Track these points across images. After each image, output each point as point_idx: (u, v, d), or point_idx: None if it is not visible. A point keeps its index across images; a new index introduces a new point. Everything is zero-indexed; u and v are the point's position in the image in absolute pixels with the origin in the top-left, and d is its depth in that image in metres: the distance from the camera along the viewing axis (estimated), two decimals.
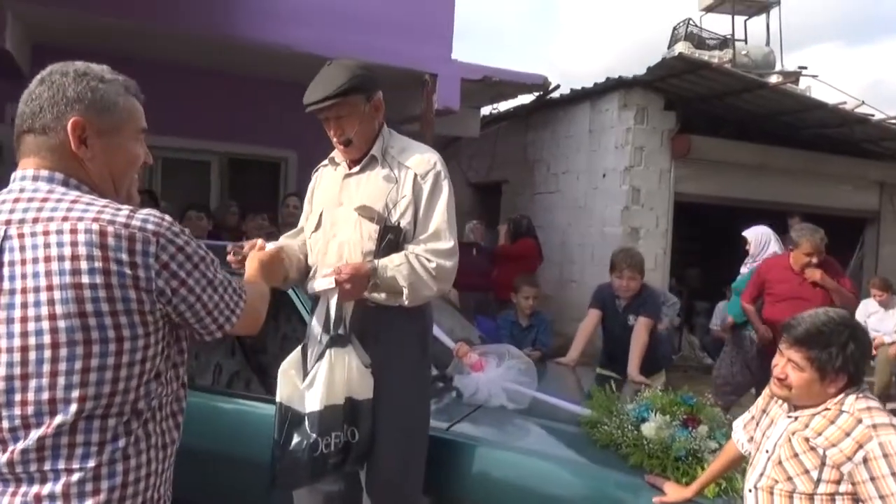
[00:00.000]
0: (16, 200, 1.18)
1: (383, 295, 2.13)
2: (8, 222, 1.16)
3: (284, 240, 2.40)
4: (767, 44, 11.92)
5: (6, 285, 1.14)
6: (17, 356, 1.13)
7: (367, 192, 2.18)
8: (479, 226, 7.39)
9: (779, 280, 4.40)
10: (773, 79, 8.71)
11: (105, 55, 6.24)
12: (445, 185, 2.18)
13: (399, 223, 2.13)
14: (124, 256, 1.15)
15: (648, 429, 2.55)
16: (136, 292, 1.17)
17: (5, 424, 1.14)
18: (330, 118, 2.14)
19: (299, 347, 2.11)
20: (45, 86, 1.24)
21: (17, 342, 1.13)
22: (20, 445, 1.14)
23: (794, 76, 9.80)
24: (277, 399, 2.10)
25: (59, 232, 1.14)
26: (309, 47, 5.30)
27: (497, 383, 2.82)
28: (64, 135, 1.22)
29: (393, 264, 2.08)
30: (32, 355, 1.13)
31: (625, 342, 3.85)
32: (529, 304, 4.52)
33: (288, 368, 2.10)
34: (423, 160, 2.18)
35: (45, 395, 1.13)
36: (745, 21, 12.33)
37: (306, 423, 1.98)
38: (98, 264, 1.13)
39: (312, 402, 1.99)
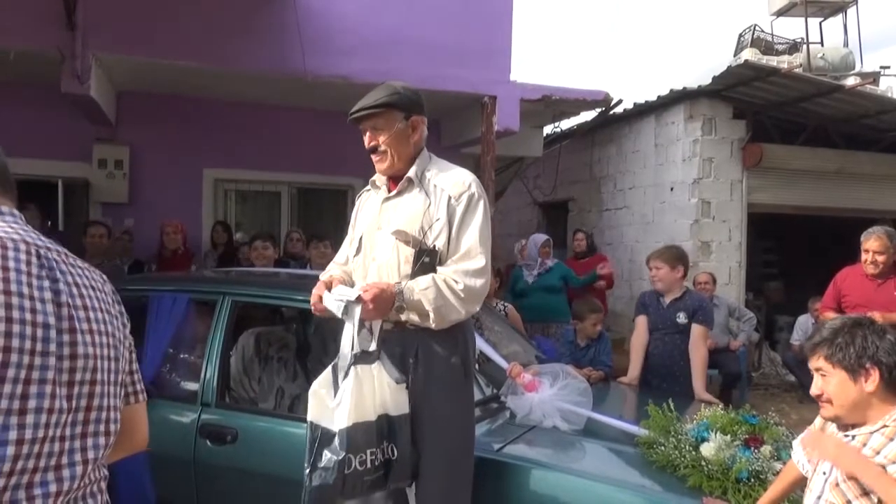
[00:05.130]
0: None
1: (416, 317, 2.14)
2: None
3: (335, 267, 2.46)
4: (846, 45, 11.38)
5: None
6: None
7: (404, 215, 2.22)
8: (526, 245, 6.72)
9: (853, 287, 4.24)
10: (850, 81, 8.30)
11: (183, 98, 6.59)
12: (480, 206, 2.19)
13: (434, 246, 2.15)
14: None
15: (707, 449, 2.47)
16: None
17: None
18: (367, 129, 2.27)
19: (330, 366, 2.12)
20: None
21: None
22: None
23: (872, 76, 9.32)
24: (308, 418, 2.10)
25: None
26: (370, 77, 5.48)
27: (551, 403, 2.79)
28: None
29: (419, 287, 2.09)
30: None
31: (676, 343, 3.71)
32: (597, 329, 4.33)
33: (318, 388, 2.10)
34: (457, 182, 2.20)
35: None
36: (820, 23, 11.80)
37: (336, 440, 1.99)
38: None
39: (341, 419, 2.00)
